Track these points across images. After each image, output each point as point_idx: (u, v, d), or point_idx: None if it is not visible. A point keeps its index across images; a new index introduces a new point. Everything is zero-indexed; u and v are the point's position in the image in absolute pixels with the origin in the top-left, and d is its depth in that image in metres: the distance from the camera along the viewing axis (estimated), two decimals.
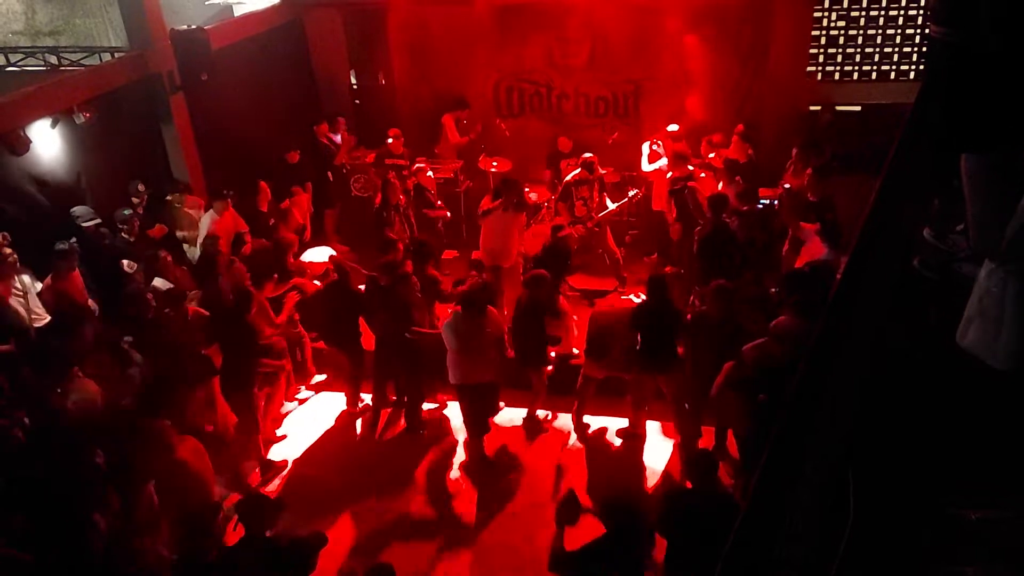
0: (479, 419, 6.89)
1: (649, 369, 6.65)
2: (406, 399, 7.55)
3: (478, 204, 8.84)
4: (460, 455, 7.22)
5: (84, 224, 7.32)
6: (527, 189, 9.72)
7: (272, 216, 8.84)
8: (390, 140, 9.96)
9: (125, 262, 7.17)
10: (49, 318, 6.68)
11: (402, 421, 7.62)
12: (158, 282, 7.20)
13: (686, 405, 6.73)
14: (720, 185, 8.47)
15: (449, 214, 9.52)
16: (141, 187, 8.07)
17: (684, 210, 8.41)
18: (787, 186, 8.35)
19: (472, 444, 7.05)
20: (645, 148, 9.41)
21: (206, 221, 8.14)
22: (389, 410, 7.73)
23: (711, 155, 9.23)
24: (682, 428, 6.82)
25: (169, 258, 7.39)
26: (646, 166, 9.36)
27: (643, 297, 7.04)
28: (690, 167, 8.60)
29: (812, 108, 9.88)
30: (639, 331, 6.54)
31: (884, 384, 1.62)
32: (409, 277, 7.14)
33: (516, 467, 7.04)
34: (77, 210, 7.46)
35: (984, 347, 1.60)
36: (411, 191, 9.17)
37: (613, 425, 7.37)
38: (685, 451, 6.77)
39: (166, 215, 8.31)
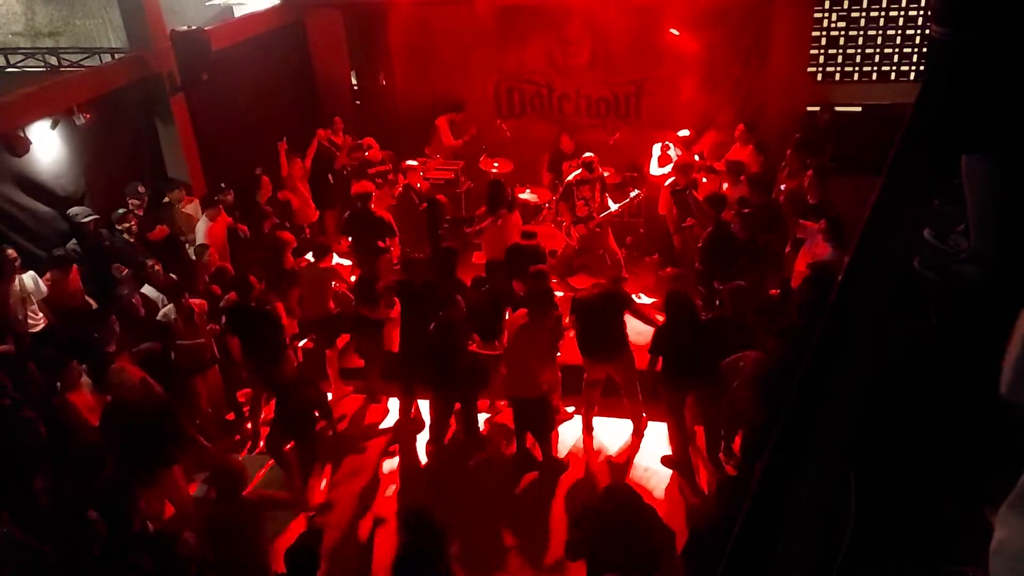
0: (535, 433, 6.82)
1: (682, 387, 6.55)
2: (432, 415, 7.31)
3: (479, 205, 8.84)
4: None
5: (83, 220, 7.33)
6: (525, 190, 9.76)
7: (273, 207, 8.85)
8: (366, 152, 9.96)
9: (115, 267, 7.15)
10: (44, 322, 6.70)
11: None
12: (148, 290, 7.21)
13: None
14: (725, 186, 8.48)
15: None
16: (141, 188, 8.08)
17: (684, 210, 8.42)
18: (782, 187, 8.36)
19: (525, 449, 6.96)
20: (655, 150, 9.39)
21: (201, 228, 8.15)
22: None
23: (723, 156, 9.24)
24: (678, 434, 6.83)
25: (158, 267, 7.38)
26: (655, 169, 9.34)
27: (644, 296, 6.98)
28: (693, 176, 8.62)
29: (811, 108, 9.88)
30: (662, 352, 6.47)
31: (885, 384, 1.62)
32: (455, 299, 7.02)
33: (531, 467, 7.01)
34: (74, 210, 7.48)
35: None
36: (396, 194, 9.18)
37: (620, 427, 7.36)
38: (679, 456, 6.81)
39: (165, 215, 8.32)
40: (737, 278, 6.60)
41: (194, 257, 7.89)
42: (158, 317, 6.90)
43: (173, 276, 7.68)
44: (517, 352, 6.50)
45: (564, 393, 7.44)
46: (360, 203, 8.50)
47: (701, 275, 7.59)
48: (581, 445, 7.24)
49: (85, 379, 6.05)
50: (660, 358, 6.53)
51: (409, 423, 7.52)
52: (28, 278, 6.66)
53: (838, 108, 9.89)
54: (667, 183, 8.87)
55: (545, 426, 6.78)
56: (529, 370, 6.46)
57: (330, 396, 8.00)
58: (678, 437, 6.75)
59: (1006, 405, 1.08)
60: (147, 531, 4.88)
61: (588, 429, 7.26)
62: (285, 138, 9.33)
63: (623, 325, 6.81)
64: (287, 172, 9.37)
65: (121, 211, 7.67)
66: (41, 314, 6.73)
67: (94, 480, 5.37)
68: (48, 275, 6.88)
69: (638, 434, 7.26)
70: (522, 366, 6.47)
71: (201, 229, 8.14)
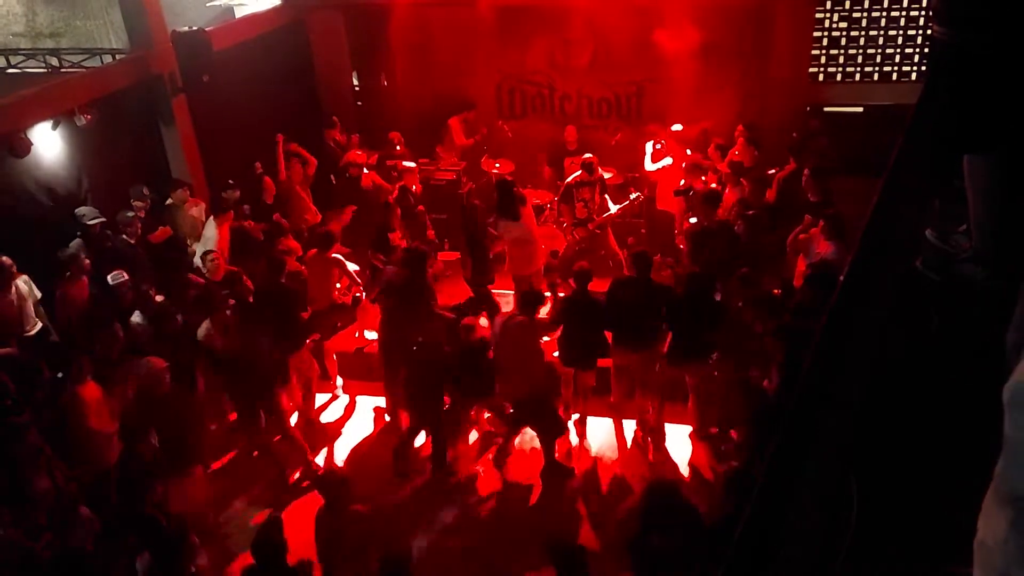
0: (539, 435, 6.85)
1: (680, 362, 6.70)
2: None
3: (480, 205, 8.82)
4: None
5: (89, 223, 7.33)
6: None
7: (276, 209, 8.84)
8: (398, 148, 10.00)
9: (111, 276, 7.02)
10: (40, 325, 6.68)
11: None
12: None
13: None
14: (726, 188, 8.48)
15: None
16: (146, 191, 8.04)
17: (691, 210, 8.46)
18: (771, 171, 8.43)
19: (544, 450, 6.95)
20: (648, 147, 9.41)
21: (210, 233, 8.11)
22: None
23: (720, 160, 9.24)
24: (701, 420, 6.97)
25: (154, 292, 7.35)
26: (649, 165, 9.36)
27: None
28: (703, 178, 8.64)
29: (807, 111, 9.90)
30: (672, 324, 6.65)
31: (885, 384, 1.62)
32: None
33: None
34: (81, 210, 7.46)
35: None
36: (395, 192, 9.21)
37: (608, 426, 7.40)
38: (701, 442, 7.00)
39: (168, 217, 8.31)
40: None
41: (200, 264, 7.80)
42: (198, 334, 6.80)
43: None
44: (507, 354, 6.51)
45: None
46: (351, 171, 8.42)
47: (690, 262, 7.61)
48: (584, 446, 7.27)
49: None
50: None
51: (397, 423, 7.52)
52: (22, 282, 6.62)
53: (839, 109, 9.89)
54: (681, 182, 8.89)
55: (549, 429, 6.76)
56: (524, 371, 6.48)
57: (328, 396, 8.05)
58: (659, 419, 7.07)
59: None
60: (157, 527, 4.88)
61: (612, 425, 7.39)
62: (281, 136, 9.26)
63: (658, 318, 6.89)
64: (285, 177, 9.35)
65: (129, 214, 7.65)
66: (36, 316, 6.72)
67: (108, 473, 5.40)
68: (59, 291, 6.81)
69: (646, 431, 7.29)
70: (515, 368, 6.50)
71: (210, 234, 8.08)
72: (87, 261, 6.97)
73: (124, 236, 7.55)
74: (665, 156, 9.20)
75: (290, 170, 9.34)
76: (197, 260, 7.99)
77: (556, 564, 4.41)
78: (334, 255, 7.66)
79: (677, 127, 9.38)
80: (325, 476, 5.54)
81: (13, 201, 7.15)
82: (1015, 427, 1.01)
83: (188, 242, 8.32)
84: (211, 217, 8.22)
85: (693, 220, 8.27)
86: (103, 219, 7.45)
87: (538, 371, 6.56)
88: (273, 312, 7.03)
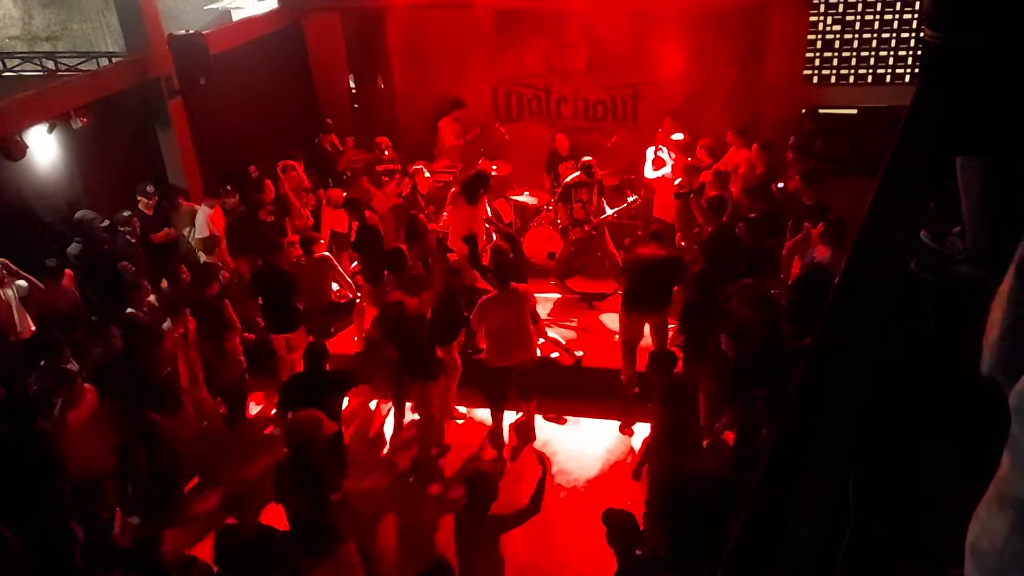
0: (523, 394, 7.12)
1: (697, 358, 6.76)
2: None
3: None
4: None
5: (89, 226, 7.32)
6: (524, 192, 9.81)
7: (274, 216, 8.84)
8: (386, 153, 10.01)
9: (122, 265, 7.06)
10: (33, 328, 6.66)
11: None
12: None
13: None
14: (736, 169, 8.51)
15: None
16: (150, 188, 8.03)
17: (689, 215, 8.46)
18: (780, 185, 8.42)
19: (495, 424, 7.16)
20: (649, 154, 9.41)
21: (201, 218, 8.09)
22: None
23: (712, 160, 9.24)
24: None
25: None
26: (650, 173, 9.35)
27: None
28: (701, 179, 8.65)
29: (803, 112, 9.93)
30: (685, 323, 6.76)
31: (883, 386, 1.63)
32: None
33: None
34: (81, 213, 7.45)
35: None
36: (404, 195, 9.20)
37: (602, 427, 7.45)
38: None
39: (172, 218, 8.29)
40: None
41: (202, 251, 7.82)
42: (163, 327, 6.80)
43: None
44: (497, 323, 6.65)
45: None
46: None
47: (700, 275, 7.60)
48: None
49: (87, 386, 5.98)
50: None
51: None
52: (11, 289, 6.60)
53: (834, 111, 9.92)
54: (676, 182, 8.89)
55: (532, 386, 7.08)
56: (523, 334, 6.73)
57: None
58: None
59: (1001, 401, 1.08)
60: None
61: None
62: (281, 162, 9.35)
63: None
64: (286, 189, 9.34)
65: (127, 213, 7.64)
66: (24, 323, 6.69)
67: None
68: (40, 283, 6.80)
69: None
70: (512, 334, 6.68)
71: (202, 219, 8.05)
72: (68, 271, 6.97)
73: (126, 235, 7.54)
74: (665, 165, 9.20)
75: (286, 177, 9.34)
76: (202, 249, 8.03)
77: (613, 533, 4.49)
78: (324, 255, 7.66)
79: (678, 136, 9.37)
80: (479, 474, 5.33)
81: (8, 204, 7.14)
82: (1022, 431, 1.01)
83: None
84: (203, 203, 8.21)
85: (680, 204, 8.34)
86: (107, 221, 7.45)
87: (528, 336, 6.80)
88: (268, 293, 7.10)
